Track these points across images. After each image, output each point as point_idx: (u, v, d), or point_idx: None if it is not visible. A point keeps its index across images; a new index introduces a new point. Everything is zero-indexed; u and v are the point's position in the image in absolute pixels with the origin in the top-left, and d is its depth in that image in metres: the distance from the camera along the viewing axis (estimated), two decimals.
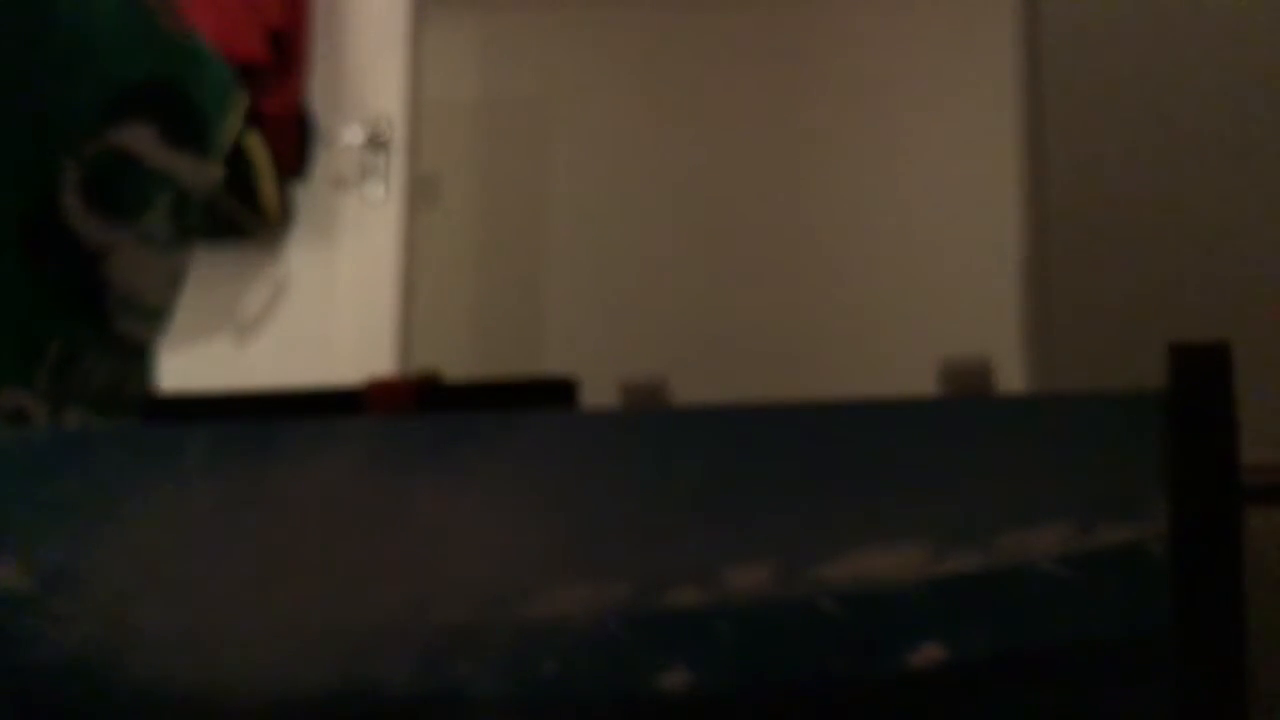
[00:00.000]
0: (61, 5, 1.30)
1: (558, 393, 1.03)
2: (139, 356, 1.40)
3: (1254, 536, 0.87)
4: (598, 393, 1.05)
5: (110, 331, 1.36)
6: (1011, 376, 2.33)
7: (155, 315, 1.42)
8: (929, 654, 0.89)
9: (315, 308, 2.94)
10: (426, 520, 0.95)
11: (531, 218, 3.59)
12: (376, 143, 2.98)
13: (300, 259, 2.97)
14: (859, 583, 0.90)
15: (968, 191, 3.29)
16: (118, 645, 0.97)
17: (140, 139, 1.36)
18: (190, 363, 2.66)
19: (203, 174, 1.45)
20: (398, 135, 2.99)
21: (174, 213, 1.42)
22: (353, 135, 2.99)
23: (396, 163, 2.98)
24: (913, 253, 3.37)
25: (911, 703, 0.89)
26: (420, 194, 3.10)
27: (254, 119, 2.85)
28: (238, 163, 2.81)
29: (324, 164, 2.98)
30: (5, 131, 1.28)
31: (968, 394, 0.94)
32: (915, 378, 1.00)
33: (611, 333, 3.38)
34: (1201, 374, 0.87)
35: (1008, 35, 2.45)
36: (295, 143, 2.94)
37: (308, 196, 2.98)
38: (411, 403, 1.02)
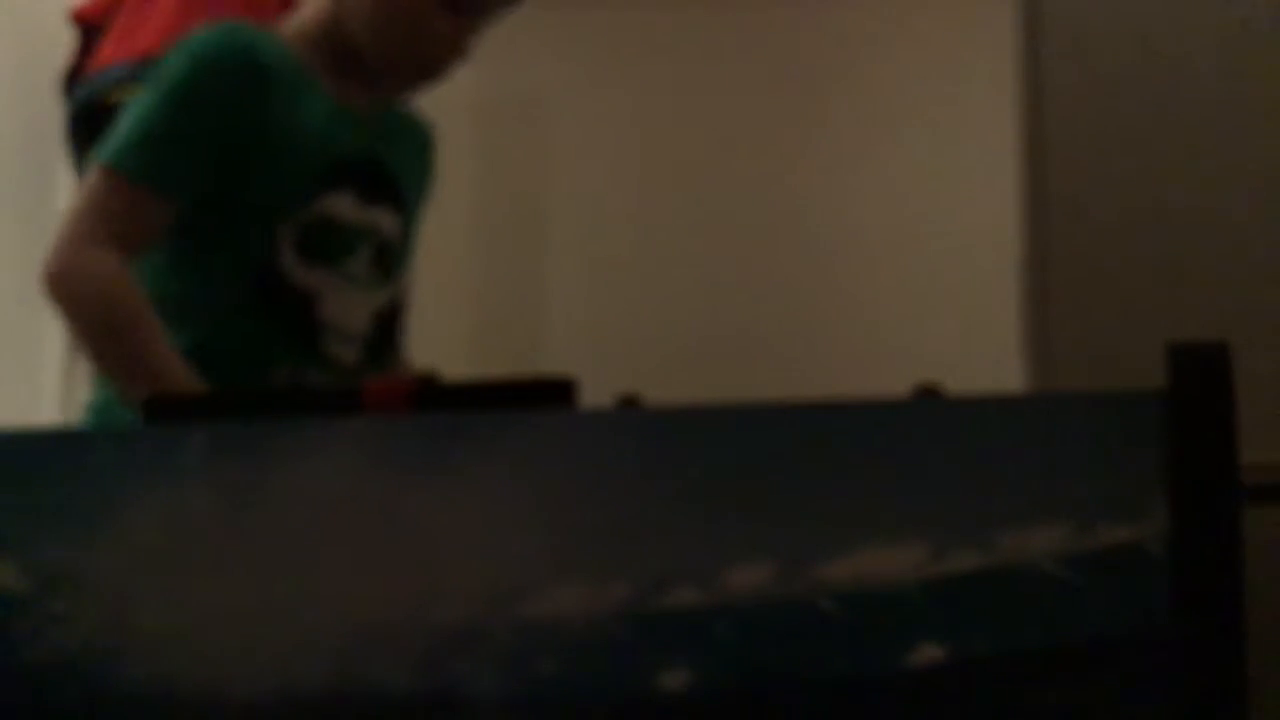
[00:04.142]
0: (275, 112, 1.62)
1: (556, 393, 1.02)
2: (346, 374, 1.69)
3: (1253, 535, 0.87)
4: (598, 393, 1.05)
5: (324, 356, 1.67)
6: (1012, 376, 2.33)
7: (356, 340, 1.72)
8: (928, 653, 0.88)
9: None
10: (424, 520, 0.95)
11: (531, 218, 3.59)
12: None
13: None
14: (858, 582, 0.90)
15: (967, 190, 3.29)
16: (116, 645, 0.97)
17: (341, 204, 1.67)
18: None
19: (398, 223, 1.76)
20: None
21: (376, 257, 1.72)
22: None
23: None
24: (913, 252, 3.37)
25: (910, 702, 0.88)
26: None
27: None
28: None
29: None
30: (235, 216, 1.62)
31: None
32: (916, 378, 1.00)
33: (611, 332, 3.38)
34: (1202, 375, 0.87)
35: (1008, 35, 2.45)
36: None
37: None
38: (409, 403, 1.02)
